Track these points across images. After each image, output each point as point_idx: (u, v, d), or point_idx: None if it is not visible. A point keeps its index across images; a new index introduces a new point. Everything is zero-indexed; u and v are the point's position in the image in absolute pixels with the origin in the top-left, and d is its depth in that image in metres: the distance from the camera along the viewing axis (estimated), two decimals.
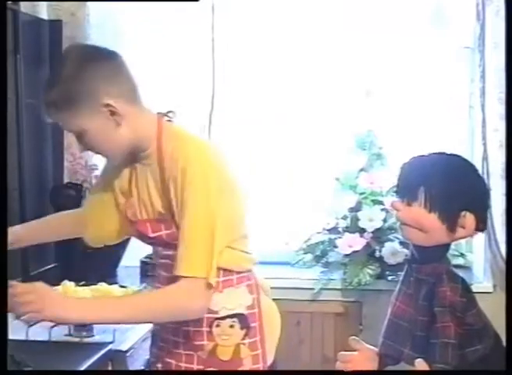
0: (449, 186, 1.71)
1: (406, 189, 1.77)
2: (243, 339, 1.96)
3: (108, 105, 1.81)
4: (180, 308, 1.85)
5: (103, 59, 1.85)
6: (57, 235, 2.31)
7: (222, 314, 1.94)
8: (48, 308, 1.74)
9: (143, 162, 1.93)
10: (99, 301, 1.96)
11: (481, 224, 1.76)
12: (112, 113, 1.83)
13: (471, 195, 1.73)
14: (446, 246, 1.79)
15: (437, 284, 1.73)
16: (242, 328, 1.96)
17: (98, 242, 2.14)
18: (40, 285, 1.82)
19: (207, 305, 1.87)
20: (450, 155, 1.79)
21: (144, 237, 1.99)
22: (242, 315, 1.96)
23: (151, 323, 2.00)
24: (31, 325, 2.14)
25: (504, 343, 1.69)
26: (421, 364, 1.62)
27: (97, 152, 1.93)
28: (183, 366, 1.98)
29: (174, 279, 1.85)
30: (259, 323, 1.99)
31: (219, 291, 1.92)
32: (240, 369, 1.96)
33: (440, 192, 1.71)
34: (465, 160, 1.80)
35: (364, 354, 1.88)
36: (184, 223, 1.83)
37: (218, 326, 1.94)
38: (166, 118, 1.95)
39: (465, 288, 1.75)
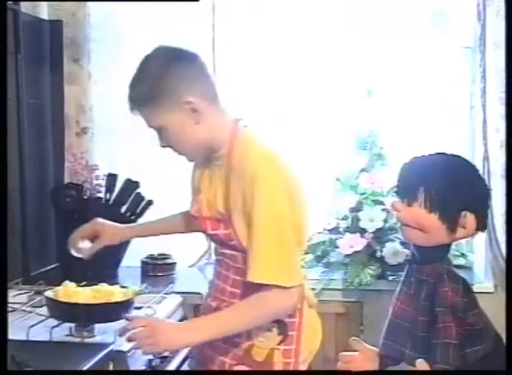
0: (449, 186, 1.71)
1: (406, 189, 1.77)
2: (279, 344, 2.01)
3: (189, 103, 1.90)
4: (275, 312, 1.96)
5: (187, 60, 1.94)
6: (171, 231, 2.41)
7: None
8: (161, 341, 1.85)
9: (214, 163, 2.01)
10: (201, 322, 2.00)
11: (482, 224, 1.75)
12: (193, 111, 1.91)
13: (472, 195, 1.73)
14: (447, 246, 1.79)
15: (438, 285, 1.73)
16: (279, 334, 2.01)
17: None
18: (151, 320, 1.97)
19: (298, 300, 1.98)
20: (450, 155, 1.79)
21: (204, 233, 2.09)
22: (282, 321, 2.00)
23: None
24: (32, 326, 2.14)
25: (504, 345, 1.69)
26: (422, 364, 1.62)
27: (175, 149, 1.99)
28: (219, 358, 2.05)
29: (226, 275, 2.02)
30: (297, 334, 2.03)
31: None
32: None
33: (440, 192, 1.71)
34: (465, 160, 1.80)
35: (364, 354, 1.88)
36: (254, 232, 1.89)
37: (257, 327, 1.98)
38: (242, 123, 2.02)
39: (466, 288, 1.75)
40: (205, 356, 2.08)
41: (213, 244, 2.72)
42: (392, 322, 1.83)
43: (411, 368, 1.68)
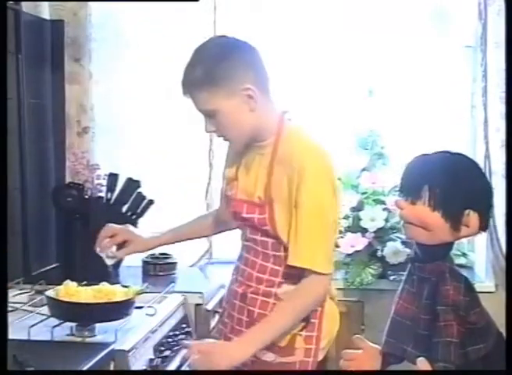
0: (453, 184, 1.71)
1: (410, 188, 1.77)
2: (301, 330, 2.07)
3: (247, 89, 1.97)
4: (314, 299, 2.04)
5: (247, 48, 2.04)
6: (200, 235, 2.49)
7: None
8: (221, 362, 1.93)
9: (257, 152, 2.08)
10: (254, 332, 2.04)
11: (485, 223, 1.76)
12: (249, 97, 1.98)
13: (475, 194, 1.73)
14: (450, 245, 1.79)
15: (440, 283, 1.73)
16: (302, 320, 2.06)
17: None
18: (206, 345, 2.01)
19: (328, 286, 2.08)
20: (454, 153, 1.80)
21: (237, 217, 2.13)
22: None
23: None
24: (33, 325, 2.14)
25: (505, 343, 1.69)
26: (422, 363, 1.62)
27: (222, 134, 2.06)
28: None
29: (254, 261, 2.08)
30: (319, 321, 2.09)
31: (289, 284, 2.05)
32: (291, 357, 2.07)
33: (444, 191, 1.71)
34: (469, 159, 1.80)
35: (367, 352, 1.88)
36: (298, 219, 1.98)
37: None
38: (287, 116, 2.10)
39: (468, 287, 1.75)
40: (229, 341, 2.12)
41: (214, 243, 2.72)
42: (395, 320, 1.84)
43: (413, 366, 1.69)
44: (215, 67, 1.95)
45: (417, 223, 1.75)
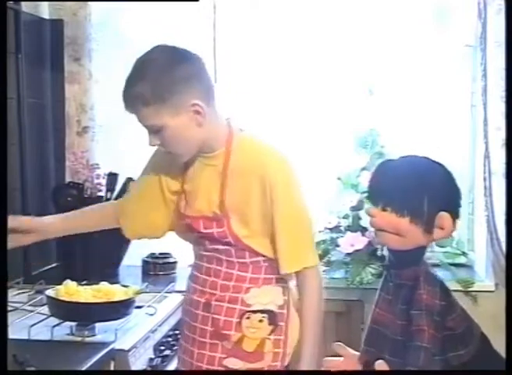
0: (420, 188, 1.68)
1: (378, 194, 1.75)
2: (269, 334, 2.04)
3: (194, 105, 1.90)
4: (321, 290, 2.06)
5: (192, 60, 1.94)
6: (91, 226, 2.28)
7: (254, 308, 2.02)
8: None
9: (206, 163, 2.02)
10: (304, 356, 2.05)
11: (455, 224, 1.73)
12: (196, 113, 1.91)
13: (444, 195, 1.71)
14: (423, 249, 1.75)
15: (415, 288, 1.69)
16: (270, 324, 2.04)
17: (136, 235, 2.20)
18: None
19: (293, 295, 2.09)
20: (418, 157, 1.77)
21: (193, 231, 2.06)
22: (272, 312, 2.04)
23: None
24: (33, 325, 2.15)
25: (492, 346, 1.68)
26: (381, 366, 1.60)
27: (167, 149, 1.98)
28: (207, 354, 2.04)
29: (218, 270, 2.02)
30: (285, 325, 2.06)
31: (257, 287, 2.03)
32: (260, 363, 2.03)
33: (411, 195, 1.68)
34: (434, 161, 1.77)
35: (348, 360, 1.85)
36: (283, 227, 1.97)
37: (248, 318, 2.02)
38: (236, 124, 2.04)
39: (445, 292, 1.71)
40: (191, 355, 2.07)
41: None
42: (372, 328, 1.80)
43: None
44: (160, 82, 1.86)
45: (390, 229, 1.71)
